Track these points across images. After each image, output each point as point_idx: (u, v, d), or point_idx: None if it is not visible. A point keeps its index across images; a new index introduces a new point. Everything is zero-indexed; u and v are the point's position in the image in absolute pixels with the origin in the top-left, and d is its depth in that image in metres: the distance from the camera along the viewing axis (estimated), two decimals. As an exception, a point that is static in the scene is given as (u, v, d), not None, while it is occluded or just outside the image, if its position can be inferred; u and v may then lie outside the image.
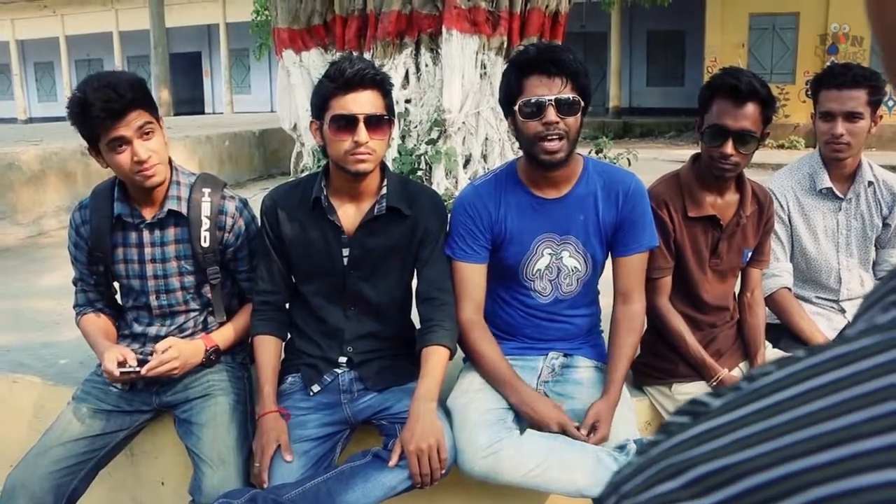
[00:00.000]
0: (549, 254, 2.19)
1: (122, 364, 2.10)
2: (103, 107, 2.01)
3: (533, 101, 2.03)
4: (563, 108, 2.02)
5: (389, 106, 2.12)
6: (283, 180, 2.41)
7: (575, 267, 2.21)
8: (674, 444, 0.33)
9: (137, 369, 2.10)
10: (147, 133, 2.09)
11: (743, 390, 0.33)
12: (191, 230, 2.23)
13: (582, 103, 2.05)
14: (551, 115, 2.01)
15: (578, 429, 2.05)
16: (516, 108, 2.06)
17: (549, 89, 2.02)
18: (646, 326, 2.42)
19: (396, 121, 2.17)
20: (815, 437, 0.28)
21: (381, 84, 2.09)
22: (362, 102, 2.04)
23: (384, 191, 2.16)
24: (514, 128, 2.13)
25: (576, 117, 2.05)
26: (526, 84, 2.05)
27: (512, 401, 2.10)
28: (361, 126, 2.03)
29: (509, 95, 2.10)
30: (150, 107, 2.12)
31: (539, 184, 2.17)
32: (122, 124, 2.04)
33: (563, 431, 2.03)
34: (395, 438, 2.01)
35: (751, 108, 2.17)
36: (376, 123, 2.06)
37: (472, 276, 2.21)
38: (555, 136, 2.03)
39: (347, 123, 2.03)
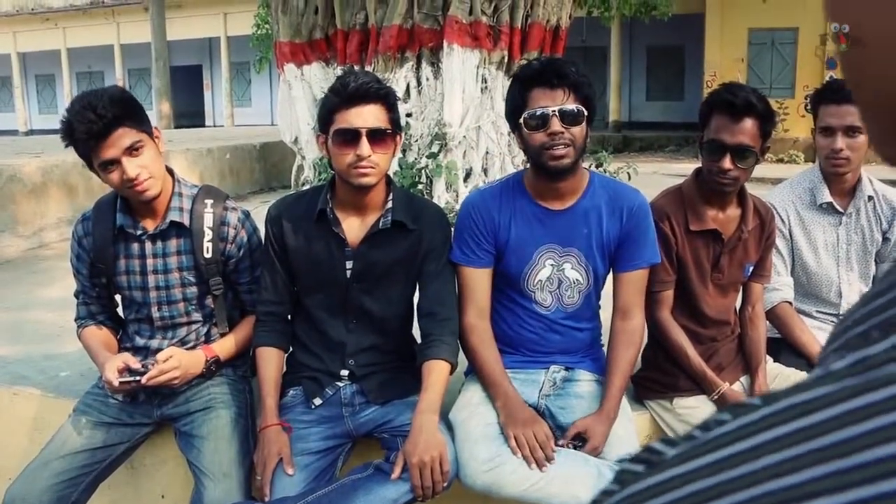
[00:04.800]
0: (551, 265, 2.20)
1: (122, 372, 2.10)
2: (86, 129, 2.01)
3: (537, 112, 2.05)
4: (567, 118, 2.05)
5: (394, 120, 2.12)
6: (284, 194, 2.41)
7: (577, 279, 2.22)
8: (626, 495, 0.32)
9: (138, 378, 2.10)
10: (136, 149, 2.08)
11: (698, 440, 0.33)
12: (193, 241, 2.23)
13: (585, 113, 2.08)
14: (556, 125, 2.04)
15: (561, 428, 2.10)
16: (521, 120, 2.09)
17: (552, 100, 2.05)
18: (647, 340, 2.42)
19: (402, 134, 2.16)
20: (770, 493, 0.28)
21: (386, 98, 2.10)
22: (365, 116, 2.05)
23: (390, 204, 2.17)
24: (520, 141, 2.15)
25: (580, 127, 2.08)
26: (530, 97, 2.08)
27: (498, 404, 2.11)
28: (364, 140, 2.03)
29: (515, 109, 2.12)
30: (136, 121, 2.09)
31: (544, 195, 2.19)
32: (108, 145, 2.04)
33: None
34: (397, 451, 2.00)
35: (748, 124, 2.18)
36: (379, 137, 2.06)
37: (476, 281, 2.22)
38: (560, 145, 2.05)
39: (350, 137, 2.04)
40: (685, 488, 0.30)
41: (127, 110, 2.07)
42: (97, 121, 2.00)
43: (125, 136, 2.05)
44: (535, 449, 1.98)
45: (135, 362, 2.13)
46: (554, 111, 2.04)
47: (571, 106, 2.05)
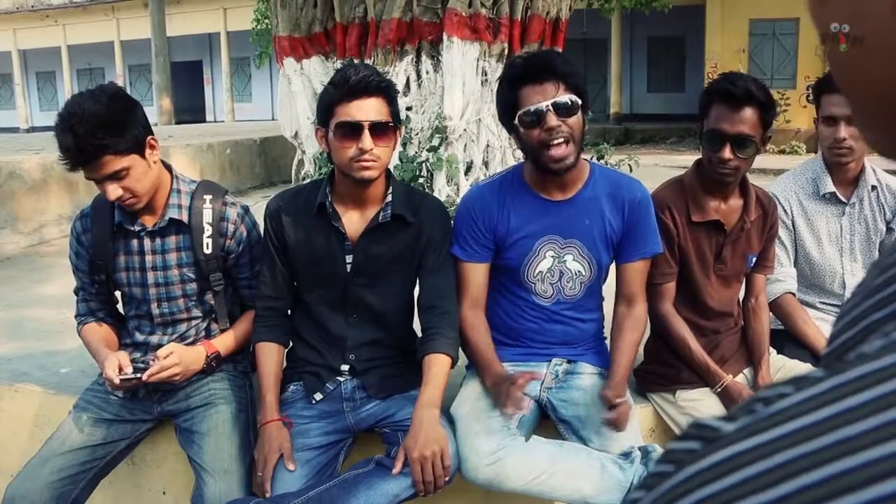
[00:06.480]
0: (552, 256, 2.19)
1: (121, 370, 2.09)
2: (65, 157, 1.99)
3: (532, 109, 2.03)
4: (562, 110, 2.03)
5: (395, 113, 2.11)
6: (285, 188, 2.40)
7: (579, 271, 2.20)
8: (690, 474, 0.30)
9: (138, 375, 2.09)
10: (120, 176, 2.03)
11: (759, 413, 0.30)
12: (193, 237, 2.22)
13: (580, 103, 2.06)
14: (552, 120, 2.02)
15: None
16: (516, 120, 2.07)
17: (544, 95, 2.03)
18: (649, 332, 2.41)
19: (402, 127, 2.15)
20: (852, 469, 0.26)
21: (386, 91, 2.09)
22: (367, 109, 2.03)
23: (389, 198, 2.16)
24: (517, 140, 2.13)
25: (576, 118, 2.06)
26: (521, 95, 2.06)
27: (487, 384, 2.10)
28: (366, 133, 2.02)
29: (507, 110, 2.11)
30: (121, 147, 2.00)
31: (545, 186, 2.18)
32: (89, 169, 2.01)
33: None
34: (399, 446, 1.99)
35: (748, 113, 2.17)
36: (381, 130, 2.05)
37: (473, 275, 2.22)
38: (560, 141, 2.03)
39: (352, 130, 2.03)
40: (755, 466, 0.28)
41: (111, 136, 1.98)
42: (76, 153, 1.96)
43: (107, 165, 2.01)
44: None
45: (128, 366, 2.11)
46: (548, 106, 2.02)
47: (564, 98, 2.03)
